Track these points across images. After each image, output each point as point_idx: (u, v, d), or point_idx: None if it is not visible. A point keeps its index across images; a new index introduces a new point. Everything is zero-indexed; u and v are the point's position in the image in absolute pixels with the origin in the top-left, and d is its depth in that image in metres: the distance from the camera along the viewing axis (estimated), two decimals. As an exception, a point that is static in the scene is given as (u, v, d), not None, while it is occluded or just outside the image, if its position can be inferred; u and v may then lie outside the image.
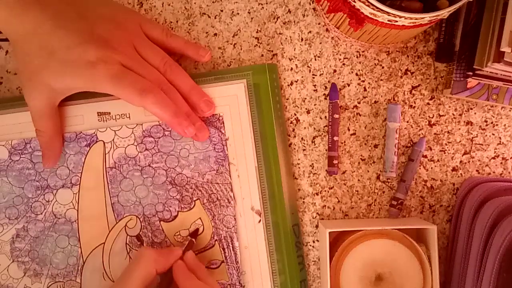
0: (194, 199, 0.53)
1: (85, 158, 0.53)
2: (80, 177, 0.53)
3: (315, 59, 0.55)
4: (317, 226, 0.55)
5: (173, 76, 0.51)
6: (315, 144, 0.55)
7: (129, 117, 0.53)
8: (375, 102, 0.55)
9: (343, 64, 0.55)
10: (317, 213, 0.55)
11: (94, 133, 0.53)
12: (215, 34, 0.56)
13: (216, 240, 0.53)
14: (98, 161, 0.53)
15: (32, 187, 0.54)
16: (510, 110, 0.56)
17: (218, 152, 0.53)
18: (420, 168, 0.55)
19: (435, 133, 0.55)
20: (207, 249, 0.53)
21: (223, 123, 0.53)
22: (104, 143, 0.53)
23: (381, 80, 0.55)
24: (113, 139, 0.53)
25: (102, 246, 0.53)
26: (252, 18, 0.56)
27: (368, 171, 0.55)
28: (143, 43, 0.51)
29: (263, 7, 0.56)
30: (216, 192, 0.53)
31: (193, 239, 0.52)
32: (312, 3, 0.55)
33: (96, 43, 0.48)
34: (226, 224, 0.53)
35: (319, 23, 0.55)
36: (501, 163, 0.56)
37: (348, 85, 0.55)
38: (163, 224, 0.53)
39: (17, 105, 0.53)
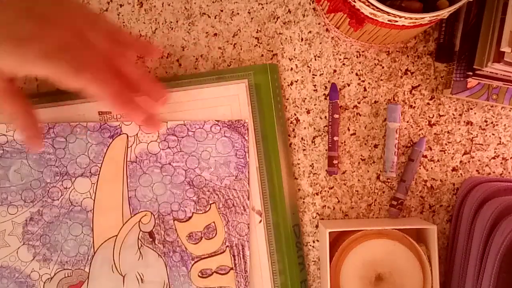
0: (210, 202, 0.53)
1: (107, 149, 0.53)
2: (100, 168, 0.53)
3: (315, 59, 0.55)
4: (317, 226, 0.55)
5: (122, 62, 0.48)
6: (315, 144, 0.55)
7: (130, 116, 0.53)
8: (375, 102, 0.55)
9: (343, 64, 0.55)
10: (317, 213, 0.55)
11: (119, 125, 0.53)
12: (215, 34, 0.56)
13: (227, 246, 0.53)
14: (119, 153, 0.53)
15: (51, 172, 0.53)
16: (510, 110, 0.56)
17: (239, 159, 0.53)
18: (420, 168, 0.55)
19: (435, 133, 0.55)
20: (218, 254, 0.53)
21: (248, 129, 0.53)
22: (127, 136, 0.53)
23: (381, 80, 0.55)
24: (137, 134, 0.53)
25: (114, 239, 0.53)
26: (252, 18, 0.56)
27: (368, 171, 0.55)
28: (90, 25, 0.47)
29: (263, 7, 0.56)
30: (233, 198, 0.53)
31: None
32: (312, 3, 0.55)
33: (34, 19, 0.44)
34: (239, 232, 0.53)
35: (319, 23, 0.55)
36: (501, 163, 0.56)
37: (348, 85, 0.55)
38: (177, 224, 0.53)
39: None
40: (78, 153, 0.53)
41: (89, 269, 0.53)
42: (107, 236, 0.53)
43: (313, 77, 0.55)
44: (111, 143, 0.53)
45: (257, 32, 0.56)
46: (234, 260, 0.52)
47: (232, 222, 0.53)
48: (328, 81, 0.55)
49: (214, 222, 0.53)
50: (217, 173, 0.53)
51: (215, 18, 0.56)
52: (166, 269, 0.52)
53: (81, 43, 0.46)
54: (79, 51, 0.45)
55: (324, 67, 0.55)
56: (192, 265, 0.52)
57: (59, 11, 0.46)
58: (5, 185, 0.53)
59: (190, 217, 0.53)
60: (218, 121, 0.53)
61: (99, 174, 0.53)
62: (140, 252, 0.53)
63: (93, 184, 0.53)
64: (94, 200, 0.53)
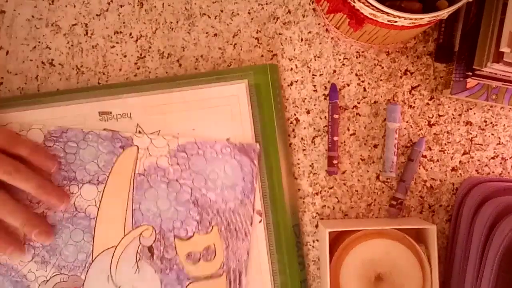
0: (213, 224, 0.53)
1: (116, 159, 0.53)
2: (108, 177, 0.53)
3: (315, 60, 0.56)
4: (317, 226, 0.55)
5: (15, 183, 0.49)
6: (315, 144, 0.55)
7: (130, 116, 0.53)
8: (375, 102, 0.56)
9: (343, 64, 0.56)
10: (317, 213, 0.55)
11: (131, 136, 0.53)
12: (215, 35, 0.56)
13: (224, 271, 0.52)
14: (128, 164, 0.53)
15: (60, 175, 0.53)
16: (509, 110, 0.56)
17: (247, 183, 0.52)
18: (419, 168, 0.55)
19: (434, 133, 0.56)
20: (214, 278, 0.52)
21: (257, 155, 0.52)
22: (138, 148, 0.53)
23: (381, 80, 0.56)
24: (147, 147, 0.53)
25: (114, 249, 0.53)
26: (252, 19, 0.56)
27: (367, 171, 0.55)
28: None
29: (263, 8, 0.56)
30: (236, 223, 0.52)
31: None
32: (312, 3, 0.56)
33: None
34: (238, 257, 0.52)
35: (319, 24, 0.56)
36: (501, 163, 0.56)
37: (348, 85, 0.56)
38: (177, 241, 0.52)
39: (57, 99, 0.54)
40: (88, 160, 0.53)
41: (85, 276, 0.53)
42: (107, 245, 0.53)
43: (313, 77, 0.56)
44: (121, 153, 0.53)
45: (257, 32, 0.56)
46: (230, 286, 0.52)
47: (232, 246, 0.52)
48: (328, 81, 0.55)
49: (214, 244, 0.52)
50: (223, 195, 0.53)
51: (215, 18, 0.56)
52: (161, 286, 0.52)
53: None
54: None
55: (324, 68, 0.56)
56: (187, 286, 0.52)
57: None
58: None
59: (191, 236, 0.53)
60: (229, 142, 0.53)
61: (106, 183, 0.53)
62: (137, 265, 0.52)
63: (99, 192, 0.53)
64: (98, 208, 0.53)
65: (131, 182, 0.53)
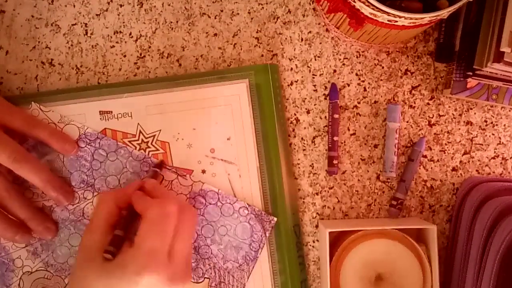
0: (205, 276, 0.52)
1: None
2: None
3: (315, 59, 0.55)
4: (317, 226, 0.55)
5: (23, 173, 0.49)
6: (315, 144, 0.55)
7: (131, 116, 0.53)
8: (375, 102, 0.56)
9: (343, 64, 0.56)
10: (317, 213, 0.55)
11: (159, 164, 0.53)
12: (215, 34, 0.56)
13: None
14: None
15: (79, 178, 0.53)
16: (510, 110, 0.56)
17: (251, 251, 0.52)
18: (420, 168, 0.55)
19: (435, 133, 0.56)
20: None
21: (272, 228, 0.52)
22: (163, 178, 0.53)
23: (381, 80, 0.56)
24: (172, 181, 0.53)
25: None
26: (252, 18, 0.56)
27: (368, 171, 0.55)
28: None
29: (263, 7, 0.56)
30: (227, 284, 0.52)
31: (158, 170, 0.51)
32: (312, 3, 0.56)
33: None
34: None
35: (319, 23, 0.56)
36: (501, 163, 0.56)
37: (348, 85, 0.56)
38: None
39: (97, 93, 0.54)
40: (111, 172, 0.53)
41: (68, 282, 0.53)
42: None
43: (313, 77, 0.55)
44: (144, 176, 0.53)
45: (257, 32, 0.56)
46: None
47: None
48: (328, 81, 0.55)
49: None
50: (225, 252, 0.52)
51: (215, 18, 0.56)
52: None
53: None
54: None
55: (324, 67, 0.55)
56: None
57: None
58: None
59: None
60: (249, 205, 0.52)
61: None
62: None
63: None
64: None
65: None
